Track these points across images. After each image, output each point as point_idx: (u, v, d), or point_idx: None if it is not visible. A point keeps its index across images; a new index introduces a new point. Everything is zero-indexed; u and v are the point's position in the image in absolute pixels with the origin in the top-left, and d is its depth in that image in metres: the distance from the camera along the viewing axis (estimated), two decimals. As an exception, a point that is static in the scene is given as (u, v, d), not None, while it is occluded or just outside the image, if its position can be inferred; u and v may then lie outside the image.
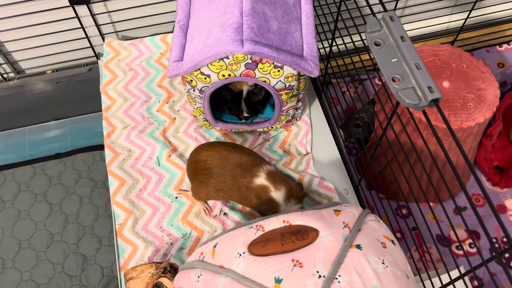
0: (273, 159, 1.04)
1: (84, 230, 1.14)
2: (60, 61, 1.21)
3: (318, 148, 1.07)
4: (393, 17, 0.65)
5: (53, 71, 1.20)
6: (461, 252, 1.18)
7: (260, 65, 0.86)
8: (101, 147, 1.26)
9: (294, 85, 0.91)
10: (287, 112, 1.00)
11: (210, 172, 0.87)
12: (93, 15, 1.10)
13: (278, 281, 0.56)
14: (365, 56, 1.39)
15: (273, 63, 0.86)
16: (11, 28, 1.09)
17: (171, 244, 0.94)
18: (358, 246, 0.60)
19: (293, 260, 0.57)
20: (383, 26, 0.65)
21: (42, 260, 1.10)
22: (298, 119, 1.08)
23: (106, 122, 1.08)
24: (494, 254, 0.60)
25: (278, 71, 0.87)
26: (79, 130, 1.30)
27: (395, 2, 1.24)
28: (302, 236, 0.61)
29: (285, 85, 0.90)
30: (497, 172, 1.31)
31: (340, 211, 0.68)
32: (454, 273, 0.94)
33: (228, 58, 0.84)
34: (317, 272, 0.56)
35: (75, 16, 1.07)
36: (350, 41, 1.06)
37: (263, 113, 1.06)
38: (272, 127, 1.06)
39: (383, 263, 0.60)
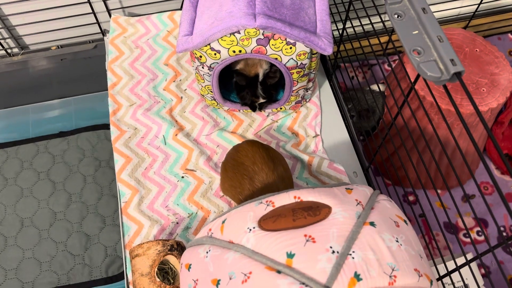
0: (282, 140, 1.02)
1: (88, 209, 1.12)
2: (65, 37, 1.18)
3: (327, 130, 1.05)
4: (414, -11, 0.62)
5: (58, 48, 1.18)
6: (468, 240, 1.17)
7: (272, 41, 0.84)
8: (106, 126, 1.24)
9: (306, 64, 0.89)
10: (297, 92, 0.98)
11: (235, 165, 0.85)
12: (100, -11, 1.08)
13: (290, 255, 0.54)
14: (374, 41, 1.36)
15: (286, 40, 0.84)
16: (15, 0, 1.06)
17: (177, 223, 0.92)
18: (372, 224, 0.59)
19: (305, 236, 0.56)
20: (404, -2, 0.63)
21: (44, 239, 1.09)
22: (307, 100, 1.06)
23: (111, 99, 1.06)
24: (502, 241, 0.58)
25: (290, 48, 0.85)
26: (84, 109, 1.28)
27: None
28: (314, 212, 0.60)
29: (297, 63, 0.88)
30: (507, 160, 1.29)
31: (352, 189, 0.67)
32: (461, 261, 0.93)
33: (239, 33, 0.82)
34: (331, 247, 0.54)
35: (81, -11, 1.04)
36: (366, 23, 1.04)
37: (277, 98, 1.03)
38: (281, 108, 1.03)
39: (397, 241, 0.58)
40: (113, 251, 1.07)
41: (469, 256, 0.99)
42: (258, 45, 0.84)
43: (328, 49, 0.85)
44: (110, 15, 1.14)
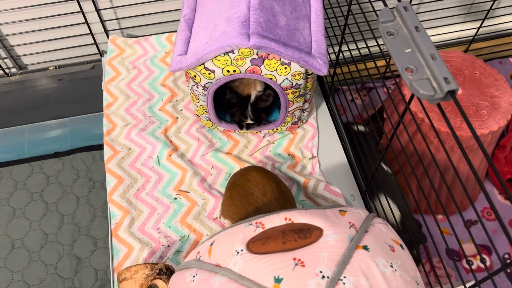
0: (278, 162, 1.01)
1: (80, 231, 1.10)
2: (63, 58, 1.18)
3: (324, 153, 1.03)
4: (407, 7, 0.62)
5: (56, 68, 1.18)
6: (472, 267, 1.13)
7: (266, 61, 0.83)
8: (101, 147, 1.23)
9: (301, 84, 0.88)
10: (293, 113, 0.96)
11: (243, 194, 0.83)
12: (98, 10, 1.08)
13: (277, 280, 0.51)
14: (372, 64, 1.36)
15: (280, 60, 0.83)
16: (14, 21, 1.07)
17: (168, 246, 0.89)
18: (365, 247, 0.56)
19: (294, 259, 0.53)
20: (397, 16, 0.62)
21: (34, 261, 1.06)
22: (304, 121, 1.05)
23: (106, 119, 1.05)
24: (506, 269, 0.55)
25: (285, 68, 0.84)
26: (80, 130, 1.27)
27: (407, 7, 1.21)
28: (305, 235, 0.57)
29: (292, 84, 0.87)
30: (510, 185, 1.26)
31: (345, 211, 0.64)
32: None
33: (233, 53, 0.81)
34: (321, 272, 0.51)
35: (79, 10, 1.05)
36: (362, 46, 1.04)
37: (265, 121, 1.01)
38: (277, 129, 1.02)
39: (391, 266, 0.55)
40: (103, 275, 1.04)
41: (470, 284, 0.95)
42: (252, 65, 0.83)
43: (323, 70, 0.84)
44: (108, 36, 1.15)
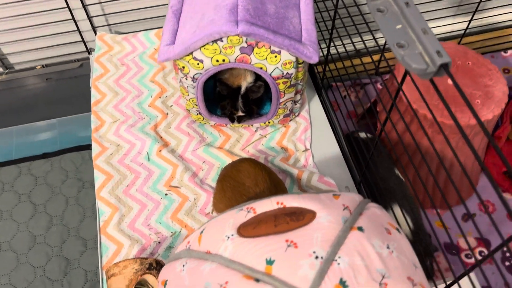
0: (270, 155, 0.99)
1: (69, 232, 1.07)
2: (50, 56, 1.16)
3: (317, 145, 1.01)
4: (397, -16, 0.60)
5: (43, 67, 1.16)
6: (471, 260, 1.11)
7: (256, 50, 0.81)
8: (90, 147, 1.20)
9: (292, 74, 0.86)
10: (284, 104, 0.95)
11: (235, 185, 0.81)
12: (84, 6, 1.06)
13: (269, 262, 0.49)
14: (367, 59, 1.34)
15: (270, 48, 0.81)
16: None
17: (159, 242, 0.87)
18: (360, 228, 0.54)
19: (287, 241, 0.51)
20: (386, -7, 0.61)
21: (22, 263, 1.03)
22: (296, 114, 1.03)
23: (94, 116, 1.03)
24: (505, 262, 0.53)
25: (275, 56, 0.83)
26: (69, 132, 1.24)
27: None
28: (298, 217, 0.55)
29: (283, 73, 0.85)
30: (506, 177, 1.24)
31: (339, 195, 0.62)
32: (465, 282, 0.87)
33: (222, 41, 0.79)
34: (314, 252, 0.49)
35: (66, 6, 1.03)
36: (357, 41, 1.03)
37: (257, 114, 0.99)
38: (269, 122, 1.00)
39: (388, 247, 0.53)
40: (93, 276, 1.01)
41: (472, 276, 0.93)
42: (242, 53, 0.82)
43: (314, 57, 0.83)
44: (95, 33, 1.13)
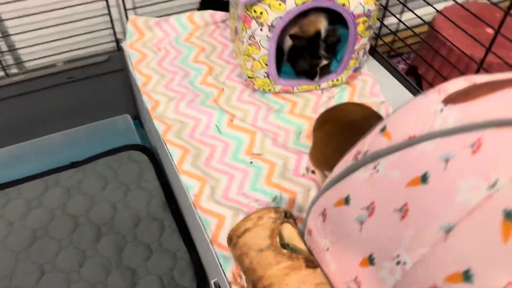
0: (349, 110, 0.92)
1: (125, 238, 0.90)
2: (70, 50, 1.03)
3: (390, 98, 0.96)
4: None
5: (65, 63, 1.03)
6: None
7: (340, -17, 0.78)
8: (124, 148, 1.06)
9: (372, 11, 0.83)
10: (357, 53, 0.90)
11: (342, 126, 0.72)
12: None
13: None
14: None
15: (354, -20, 0.78)
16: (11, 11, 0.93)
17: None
18: None
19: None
20: None
21: (75, 282, 0.84)
22: (361, 69, 0.98)
23: (146, 96, 0.92)
24: None
25: (358, -10, 0.79)
26: (96, 138, 1.10)
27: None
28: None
29: (364, 10, 0.82)
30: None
31: None
32: None
33: (309, -26, 0.75)
34: None
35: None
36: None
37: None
38: (337, 80, 0.94)
39: None
40: (170, 280, 0.84)
41: None
42: (326, -12, 0.77)
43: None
44: (127, 18, 1.03)
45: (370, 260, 0.48)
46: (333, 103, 0.94)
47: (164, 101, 0.91)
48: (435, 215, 0.42)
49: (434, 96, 0.51)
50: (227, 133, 0.87)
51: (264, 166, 0.82)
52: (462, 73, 1.05)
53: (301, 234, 0.64)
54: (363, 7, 0.81)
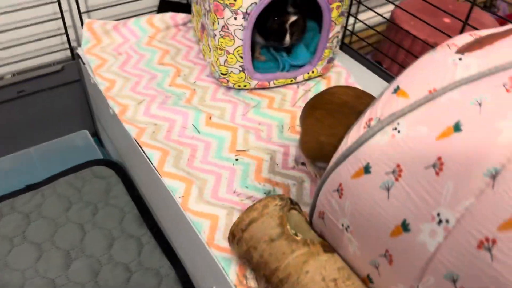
0: (329, 100, 0.89)
1: (99, 261, 0.80)
2: (19, 60, 0.93)
3: (365, 87, 0.94)
4: None
5: (14, 76, 0.92)
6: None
7: (313, -34, 0.76)
8: (88, 164, 0.97)
9: (344, -5, 0.82)
10: (332, 42, 0.88)
11: (334, 108, 0.68)
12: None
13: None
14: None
15: (326, -37, 0.76)
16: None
17: (256, 206, 0.69)
18: None
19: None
20: None
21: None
22: (334, 60, 0.96)
23: (112, 101, 0.84)
24: None
25: (331, -27, 0.78)
26: (53, 156, 0.99)
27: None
28: (514, 29, 0.47)
29: (338, -6, 0.81)
30: None
31: None
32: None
33: (281, -44, 0.72)
34: None
35: None
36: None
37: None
38: (313, 72, 0.92)
39: None
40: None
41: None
42: (300, -29, 0.75)
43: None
44: (82, 22, 0.95)
45: (404, 227, 0.43)
46: (310, 96, 0.91)
47: (133, 104, 0.84)
48: (476, 162, 0.39)
49: (446, 50, 0.49)
50: (206, 132, 0.80)
51: (251, 162, 0.76)
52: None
53: (308, 222, 0.59)
54: (337, -9, 0.80)
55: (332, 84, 0.95)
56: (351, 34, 1.14)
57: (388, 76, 0.97)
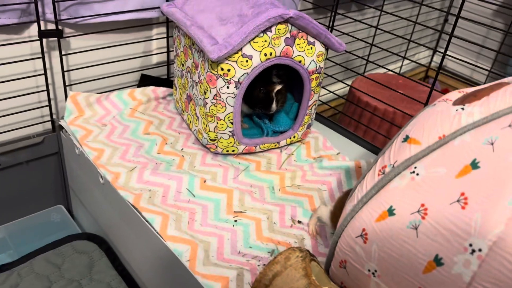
0: (312, 164, 0.94)
1: None
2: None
3: (343, 151, 1.01)
4: None
5: (-10, 149, 0.88)
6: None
7: (297, 40, 0.84)
8: (67, 240, 0.91)
9: (322, 67, 0.90)
10: (311, 109, 0.95)
11: None
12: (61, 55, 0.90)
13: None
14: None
15: (307, 39, 0.85)
16: None
17: (264, 264, 0.69)
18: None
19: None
20: None
21: None
22: (311, 126, 1.03)
23: (103, 169, 0.82)
24: None
25: (311, 48, 0.86)
26: (27, 234, 0.93)
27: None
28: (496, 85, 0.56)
29: (316, 66, 0.89)
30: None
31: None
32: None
33: (271, 31, 0.80)
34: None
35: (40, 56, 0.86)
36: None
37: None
38: (294, 137, 0.97)
39: None
40: None
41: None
42: (286, 45, 0.83)
43: (342, 47, 0.90)
44: (66, 95, 0.95)
45: (437, 261, 0.46)
46: (293, 159, 0.96)
47: (124, 171, 0.83)
48: (499, 193, 0.43)
49: (443, 104, 0.56)
50: (201, 196, 0.81)
51: (250, 223, 0.77)
52: (396, 125, 1.17)
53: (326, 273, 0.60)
54: (316, 64, 0.88)
55: (312, 147, 1.00)
56: (322, 104, 1.23)
57: (360, 140, 1.05)
